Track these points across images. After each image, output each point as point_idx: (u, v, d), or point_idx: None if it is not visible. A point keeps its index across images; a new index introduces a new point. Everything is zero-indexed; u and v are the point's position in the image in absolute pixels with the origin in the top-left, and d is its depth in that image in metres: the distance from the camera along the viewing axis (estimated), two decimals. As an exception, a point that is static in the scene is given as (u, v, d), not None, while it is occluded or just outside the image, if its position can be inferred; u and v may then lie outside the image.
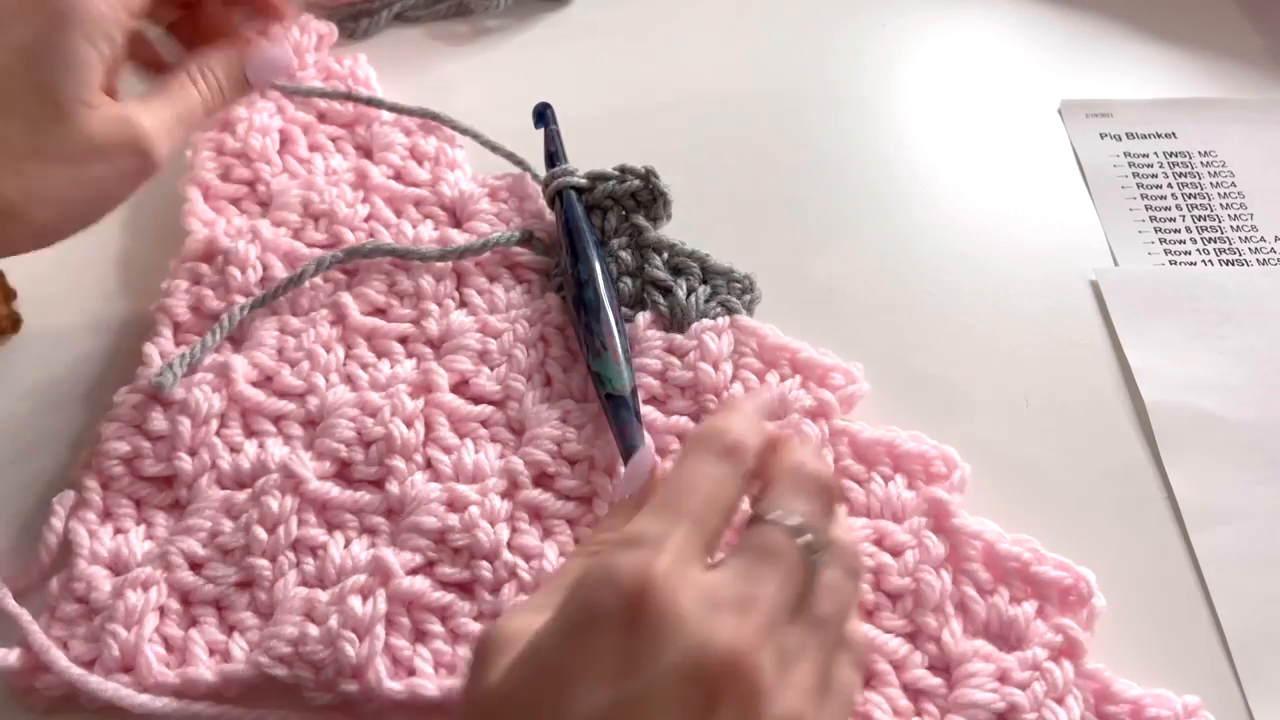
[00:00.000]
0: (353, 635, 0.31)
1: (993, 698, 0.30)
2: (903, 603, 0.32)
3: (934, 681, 0.31)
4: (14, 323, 0.31)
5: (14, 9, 0.30)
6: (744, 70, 0.50)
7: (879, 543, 0.33)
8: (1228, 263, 0.43)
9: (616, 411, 0.35)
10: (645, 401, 0.36)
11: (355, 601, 0.32)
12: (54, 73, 0.29)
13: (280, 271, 0.39)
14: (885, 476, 0.35)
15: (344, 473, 0.35)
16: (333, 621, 0.31)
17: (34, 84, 0.29)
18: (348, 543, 0.34)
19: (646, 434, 0.35)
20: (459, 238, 0.40)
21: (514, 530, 0.34)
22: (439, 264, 0.40)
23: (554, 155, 0.41)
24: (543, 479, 0.35)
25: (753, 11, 0.52)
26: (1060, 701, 0.30)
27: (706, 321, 0.37)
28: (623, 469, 0.33)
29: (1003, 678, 0.31)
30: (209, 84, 0.34)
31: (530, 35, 0.51)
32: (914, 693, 0.31)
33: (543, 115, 0.43)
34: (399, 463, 0.35)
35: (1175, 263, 0.43)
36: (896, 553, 0.33)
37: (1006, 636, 0.32)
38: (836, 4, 0.52)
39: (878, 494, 0.34)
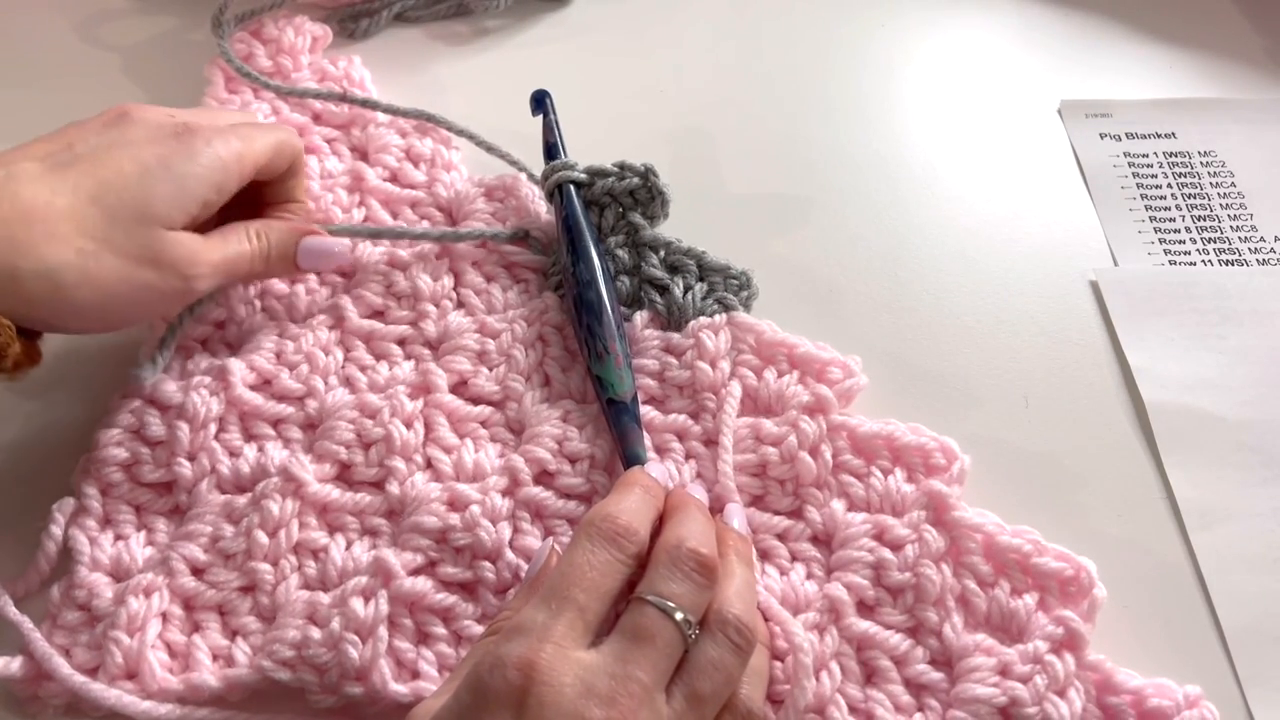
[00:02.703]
0: (356, 638, 0.32)
1: (994, 692, 0.31)
2: (903, 598, 0.34)
3: (936, 676, 0.32)
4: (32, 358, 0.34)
5: (167, 131, 0.35)
6: (743, 70, 0.51)
7: (879, 537, 0.35)
8: (1227, 263, 0.45)
9: (618, 418, 0.36)
10: (643, 402, 0.38)
11: (357, 603, 0.33)
12: (163, 192, 0.34)
13: (277, 283, 0.41)
14: (885, 470, 0.36)
15: (344, 475, 0.37)
16: (335, 624, 0.32)
17: (143, 192, 0.34)
18: (349, 544, 0.35)
19: (647, 437, 0.37)
20: (462, 230, 0.42)
21: (515, 530, 0.35)
22: (436, 263, 0.41)
23: (552, 146, 0.42)
24: (543, 477, 0.36)
25: (752, 11, 0.54)
26: (1062, 694, 0.31)
27: (704, 319, 0.39)
28: (622, 471, 0.35)
29: (1004, 671, 0.32)
30: (260, 245, 0.38)
31: (530, 35, 0.52)
32: (916, 688, 0.33)
33: (541, 102, 0.44)
34: (399, 463, 0.36)
35: (1175, 263, 0.45)
36: (896, 547, 0.34)
37: (1008, 629, 0.33)
38: (836, 4, 0.54)
39: (877, 488, 0.35)
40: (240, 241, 0.37)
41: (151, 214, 0.34)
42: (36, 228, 0.32)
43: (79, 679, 0.32)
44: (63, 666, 0.32)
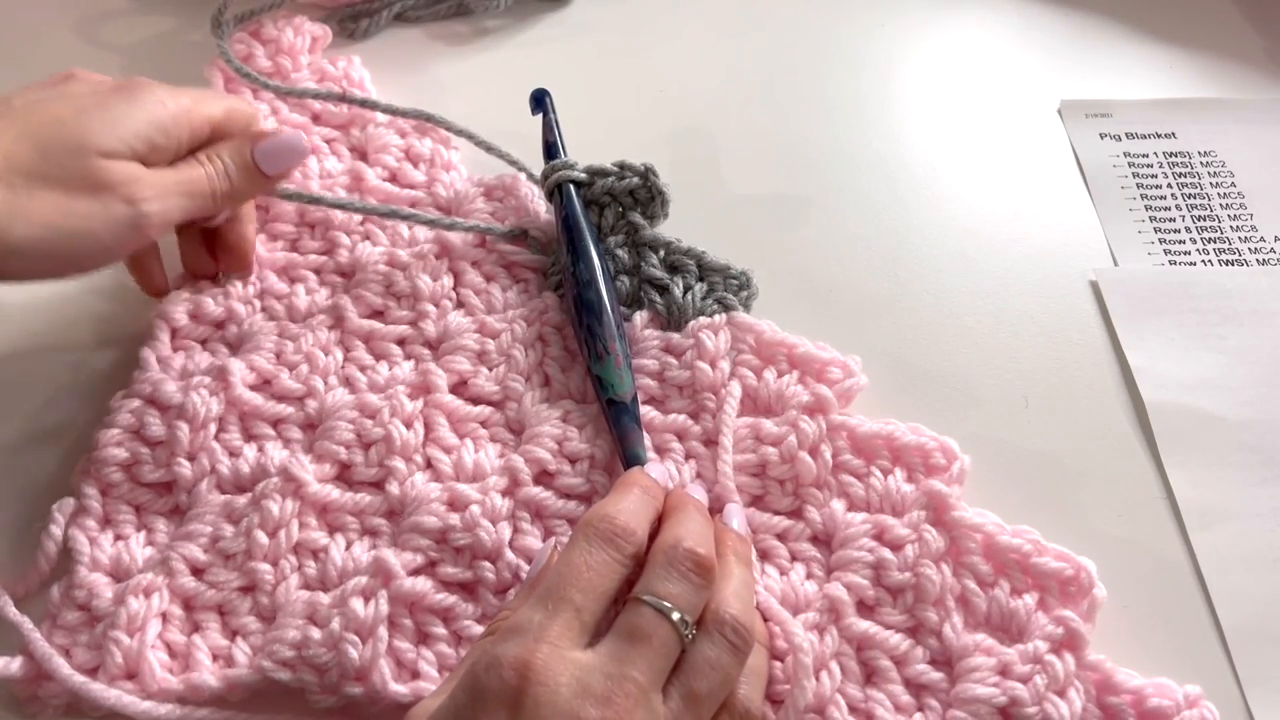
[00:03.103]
0: (355, 638, 0.32)
1: (994, 692, 0.31)
2: (903, 597, 0.34)
3: (935, 676, 0.33)
4: None
5: (109, 86, 0.35)
6: (743, 69, 0.51)
7: (879, 537, 0.35)
8: (1227, 263, 0.45)
9: (618, 418, 0.36)
10: (643, 402, 0.38)
11: (357, 603, 0.33)
12: (99, 124, 0.33)
13: (276, 283, 0.41)
14: (884, 470, 0.36)
15: (344, 475, 0.37)
16: (335, 624, 0.33)
17: (78, 126, 0.33)
18: (349, 545, 0.35)
19: (647, 438, 0.37)
20: (455, 238, 0.42)
21: (515, 530, 0.35)
22: (436, 263, 0.41)
23: (552, 146, 0.43)
24: (543, 477, 0.36)
25: (752, 11, 0.54)
26: (1062, 694, 0.31)
27: (703, 319, 0.39)
28: (622, 471, 0.35)
29: (1004, 671, 0.32)
30: (215, 165, 0.37)
31: (530, 35, 0.52)
32: (916, 688, 0.33)
33: (540, 102, 0.44)
34: (399, 463, 0.36)
35: (1175, 263, 0.45)
36: (896, 547, 0.34)
37: (1008, 629, 0.33)
38: (836, 4, 0.54)
39: (877, 488, 0.36)
40: (191, 166, 0.36)
41: (86, 143, 0.33)
42: None
43: (79, 679, 0.32)
44: (62, 667, 0.32)
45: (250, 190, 0.38)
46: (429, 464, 0.37)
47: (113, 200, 0.33)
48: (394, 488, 0.36)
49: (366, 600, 0.33)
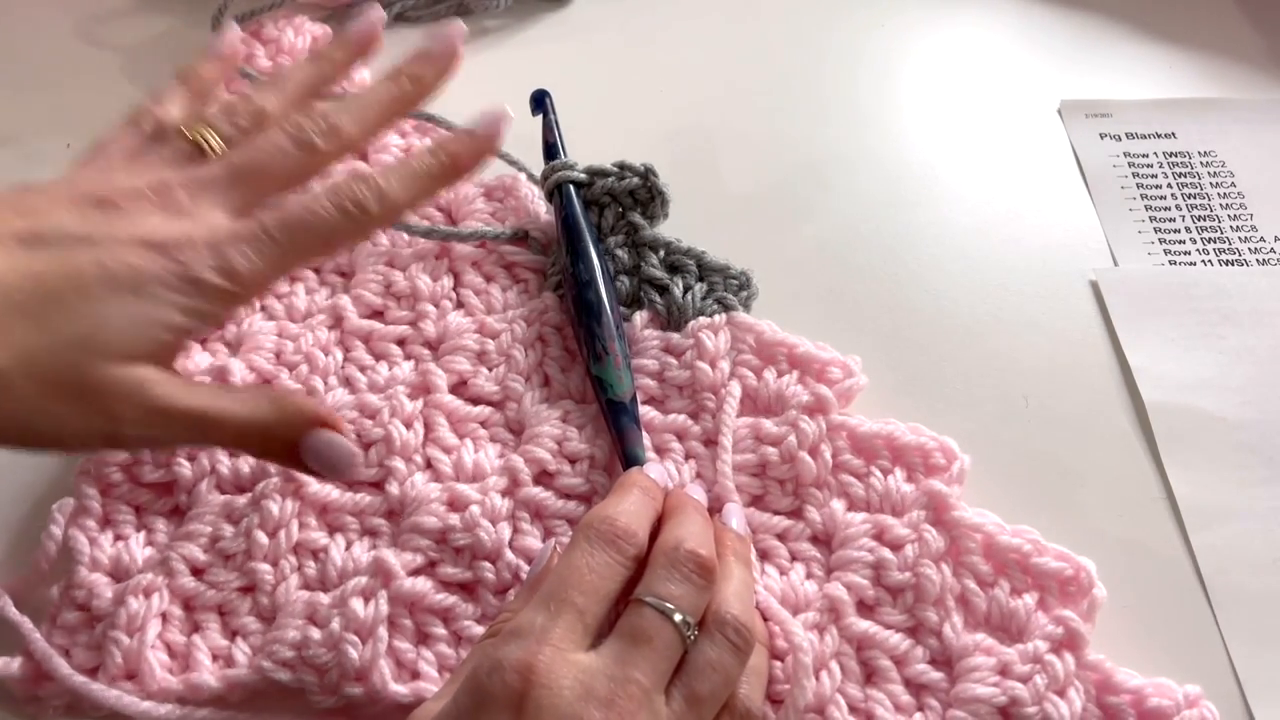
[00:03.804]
0: (355, 638, 0.32)
1: (994, 692, 0.32)
2: (903, 597, 0.34)
3: (935, 676, 0.33)
4: None
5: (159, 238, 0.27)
6: (743, 69, 0.51)
7: (879, 537, 0.35)
8: (1227, 263, 0.45)
9: (617, 418, 0.36)
10: (643, 402, 0.38)
11: (357, 604, 0.33)
12: (122, 316, 0.26)
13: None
14: (884, 470, 0.36)
15: None
16: (335, 624, 0.33)
17: (95, 311, 0.26)
18: (349, 545, 0.36)
19: (647, 438, 0.37)
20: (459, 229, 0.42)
21: (515, 530, 0.35)
22: (435, 263, 0.41)
23: (552, 146, 0.43)
24: (543, 477, 0.36)
25: (752, 11, 0.54)
26: (1062, 694, 0.31)
27: (703, 319, 0.39)
28: (621, 471, 0.35)
29: (1004, 671, 0.32)
30: (263, 417, 0.28)
31: (530, 35, 0.53)
32: (916, 688, 0.33)
33: (540, 102, 0.44)
34: (399, 464, 0.36)
35: (1175, 263, 0.45)
36: (896, 547, 0.34)
37: (1008, 628, 0.33)
38: (835, 4, 0.55)
39: (876, 488, 0.36)
40: (235, 401, 0.28)
41: (96, 341, 0.26)
42: None
43: (78, 679, 0.32)
44: (62, 666, 0.32)
45: (274, 461, 0.31)
46: (429, 464, 0.37)
47: (92, 414, 0.26)
48: (394, 488, 0.36)
49: (366, 600, 0.33)
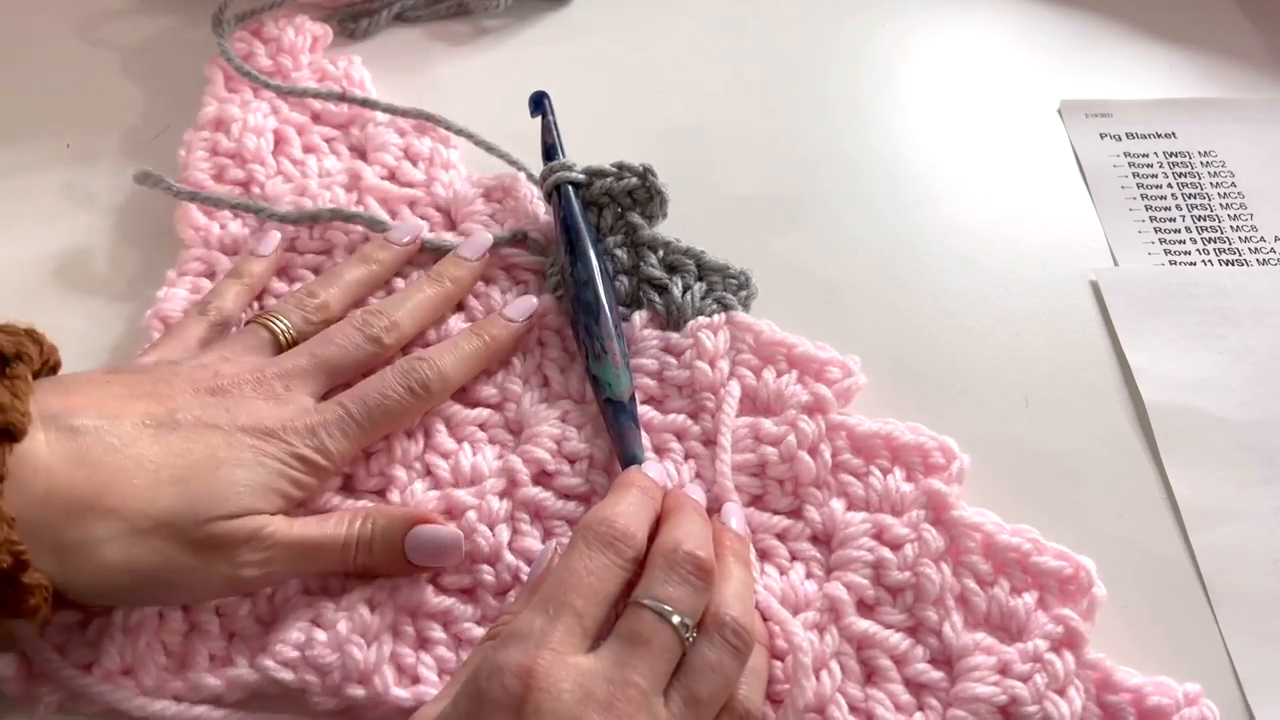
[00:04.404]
0: (360, 640, 0.32)
1: (994, 691, 0.32)
2: (903, 597, 0.34)
3: (935, 675, 0.33)
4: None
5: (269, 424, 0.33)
6: (742, 70, 0.52)
7: (878, 536, 0.35)
8: (1227, 263, 0.45)
9: (616, 417, 0.36)
10: (642, 401, 0.38)
11: (363, 609, 0.33)
12: (227, 489, 0.31)
13: (275, 283, 0.41)
14: (884, 470, 0.36)
15: (347, 484, 0.37)
16: (341, 627, 0.33)
17: (222, 482, 0.31)
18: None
19: (646, 437, 0.37)
20: (452, 239, 0.42)
21: (515, 531, 0.35)
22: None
23: (551, 147, 0.43)
24: (542, 477, 0.36)
25: (752, 11, 0.54)
26: (1062, 693, 0.31)
27: (702, 319, 0.39)
28: (621, 471, 0.35)
29: (1004, 670, 0.32)
30: (363, 531, 0.33)
31: (530, 35, 0.53)
32: (916, 687, 0.33)
33: (539, 103, 0.44)
34: (399, 472, 0.36)
35: (1175, 263, 0.45)
36: (896, 546, 0.34)
37: (1008, 628, 0.33)
38: (836, 4, 0.55)
39: (876, 487, 0.36)
40: (337, 525, 0.33)
41: (219, 507, 0.31)
42: (110, 499, 0.30)
43: (74, 675, 0.32)
44: (58, 663, 0.32)
45: (387, 572, 0.34)
46: (428, 470, 0.37)
47: (218, 560, 0.31)
48: (395, 496, 0.36)
49: (372, 609, 0.33)
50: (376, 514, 0.34)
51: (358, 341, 0.37)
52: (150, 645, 0.33)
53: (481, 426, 0.38)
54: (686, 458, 0.37)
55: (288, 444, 0.33)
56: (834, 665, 0.33)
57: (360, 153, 0.46)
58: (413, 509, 0.35)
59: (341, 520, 0.34)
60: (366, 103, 0.46)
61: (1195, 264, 0.45)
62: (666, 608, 0.29)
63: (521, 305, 0.39)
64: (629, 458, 0.35)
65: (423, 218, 0.43)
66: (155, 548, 0.30)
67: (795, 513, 0.36)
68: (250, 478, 0.32)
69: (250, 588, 0.33)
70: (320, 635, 0.33)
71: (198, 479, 0.31)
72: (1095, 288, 0.44)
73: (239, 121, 0.45)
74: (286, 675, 0.32)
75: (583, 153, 0.42)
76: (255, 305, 0.41)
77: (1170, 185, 0.48)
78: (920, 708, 0.32)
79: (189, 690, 0.32)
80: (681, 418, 0.38)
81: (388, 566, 0.34)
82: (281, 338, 0.37)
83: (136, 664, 0.32)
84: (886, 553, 0.34)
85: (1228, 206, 0.47)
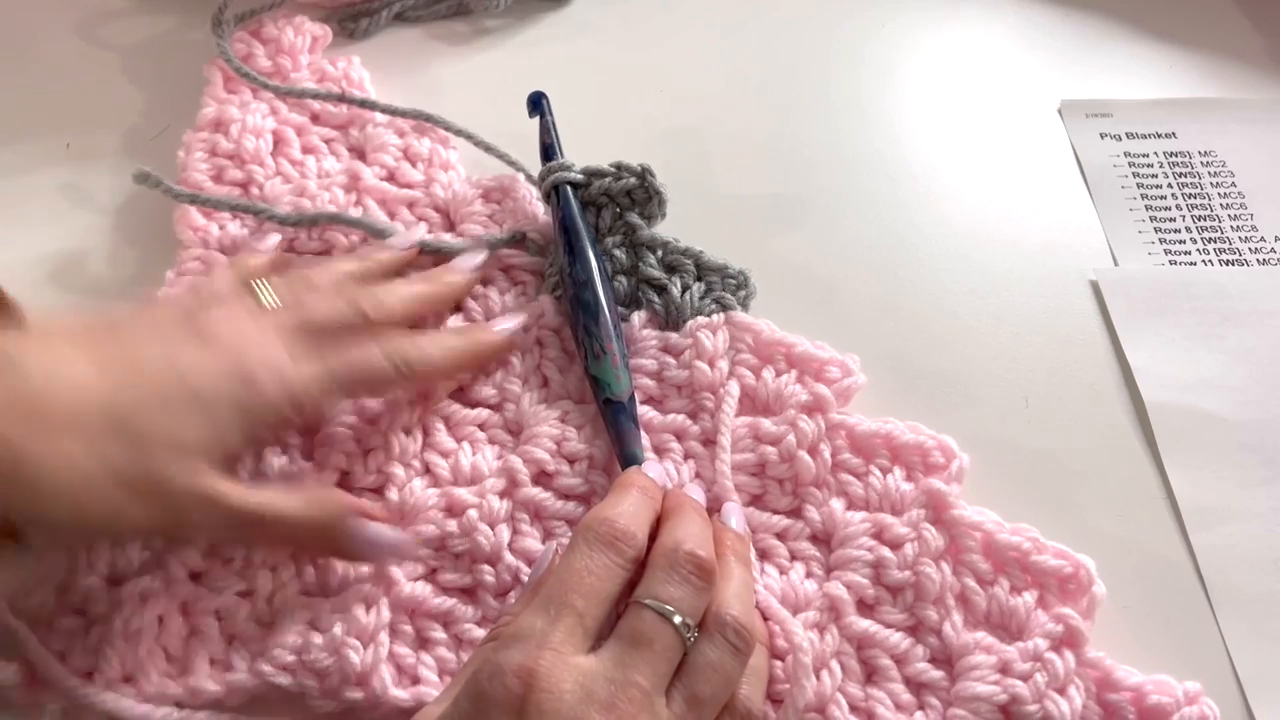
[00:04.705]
0: (357, 642, 0.33)
1: (995, 690, 0.32)
2: (903, 596, 0.34)
3: (936, 675, 0.33)
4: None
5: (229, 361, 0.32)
6: (742, 70, 0.52)
7: (878, 536, 0.35)
8: (1228, 263, 0.45)
9: (615, 418, 0.36)
10: (642, 402, 0.38)
11: (359, 610, 0.33)
12: (194, 430, 0.31)
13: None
14: (883, 469, 0.36)
15: (344, 482, 0.37)
16: (337, 629, 0.33)
17: (177, 420, 0.31)
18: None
19: (645, 438, 0.37)
20: (451, 240, 0.42)
21: (515, 531, 0.35)
22: (432, 267, 0.41)
23: (549, 148, 0.43)
24: (542, 478, 0.36)
25: (752, 12, 0.54)
26: (1062, 692, 0.31)
27: (701, 319, 0.39)
28: (620, 471, 0.35)
29: (1004, 669, 0.32)
30: (311, 513, 0.33)
31: (530, 35, 0.53)
32: (916, 686, 0.33)
33: (538, 104, 0.44)
34: (398, 470, 0.36)
35: (1175, 263, 0.45)
36: (896, 545, 0.35)
37: (1008, 627, 0.33)
38: (836, 4, 0.55)
39: (876, 487, 0.36)
40: (288, 503, 0.33)
41: (174, 444, 0.30)
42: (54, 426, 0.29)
43: (75, 682, 0.32)
44: (59, 670, 0.32)
45: (325, 556, 0.35)
46: (427, 469, 0.37)
47: (155, 508, 0.30)
48: (393, 494, 0.36)
49: (368, 608, 0.33)
50: (327, 496, 0.34)
51: (342, 309, 0.36)
52: (151, 651, 0.33)
53: (481, 426, 0.38)
54: (686, 458, 0.37)
55: (255, 391, 0.32)
56: (834, 665, 0.33)
57: (359, 153, 0.46)
58: (354, 499, 0.34)
59: (290, 499, 0.33)
60: (365, 103, 0.46)
61: (1195, 264, 0.45)
62: (668, 608, 0.29)
63: (508, 319, 0.39)
64: (629, 458, 0.35)
65: (421, 218, 0.43)
66: (100, 497, 0.29)
67: (795, 512, 0.36)
68: (199, 422, 0.31)
69: (189, 543, 0.34)
70: (317, 639, 0.33)
71: (146, 423, 0.30)
72: (1095, 288, 0.44)
73: (238, 122, 0.45)
74: (284, 680, 0.32)
75: (581, 153, 0.42)
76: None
77: (1170, 185, 0.48)
78: (921, 707, 0.32)
79: (189, 696, 0.32)
80: (681, 418, 0.38)
81: (323, 552, 0.34)
82: (267, 304, 0.35)
83: (137, 670, 0.32)
84: (886, 552, 0.34)
85: (1228, 206, 0.47)
